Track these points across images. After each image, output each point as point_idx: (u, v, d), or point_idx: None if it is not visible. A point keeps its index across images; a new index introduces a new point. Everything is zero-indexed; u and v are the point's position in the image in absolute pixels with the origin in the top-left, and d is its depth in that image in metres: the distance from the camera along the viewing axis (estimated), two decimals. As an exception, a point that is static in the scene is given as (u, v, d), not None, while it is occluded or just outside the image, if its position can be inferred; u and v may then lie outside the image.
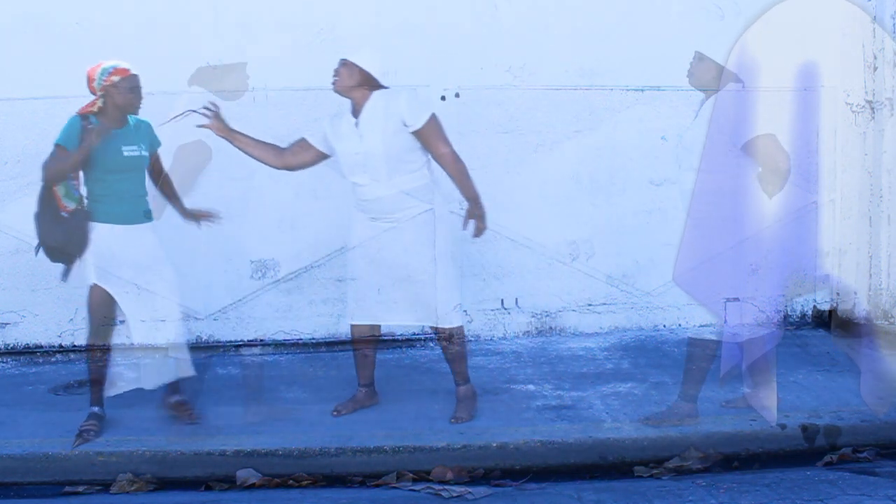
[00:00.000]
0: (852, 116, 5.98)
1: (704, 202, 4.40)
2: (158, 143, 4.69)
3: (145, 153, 4.57)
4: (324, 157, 4.67)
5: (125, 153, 4.48)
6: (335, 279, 5.71)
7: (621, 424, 4.53)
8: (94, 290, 4.48)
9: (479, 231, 4.49)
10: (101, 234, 4.47)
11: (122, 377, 4.58)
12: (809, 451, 4.38)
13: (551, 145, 5.94)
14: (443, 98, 5.80)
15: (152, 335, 4.52)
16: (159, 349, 4.54)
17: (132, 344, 4.50)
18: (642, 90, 5.89)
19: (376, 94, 4.49)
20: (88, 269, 4.47)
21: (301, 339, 5.91)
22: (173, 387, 4.70)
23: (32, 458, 4.31)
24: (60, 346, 5.74)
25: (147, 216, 4.60)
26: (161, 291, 4.57)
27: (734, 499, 3.80)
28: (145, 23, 5.54)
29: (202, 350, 5.72)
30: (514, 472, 4.27)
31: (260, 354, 5.85)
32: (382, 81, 4.50)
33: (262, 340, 5.91)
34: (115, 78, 4.45)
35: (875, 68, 5.92)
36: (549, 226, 5.96)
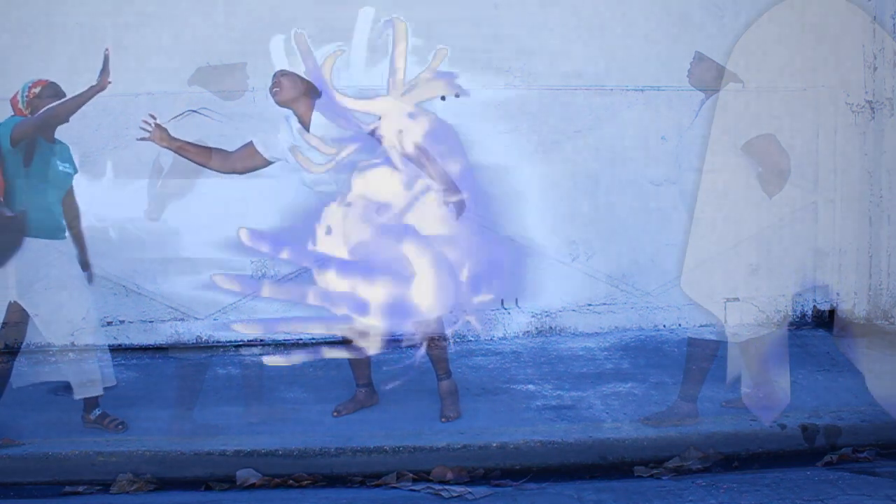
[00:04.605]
0: (852, 116, 5.98)
1: (705, 202, 4.40)
2: None
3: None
4: (270, 163, 4.67)
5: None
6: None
7: (621, 424, 4.53)
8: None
9: (459, 212, 4.58)
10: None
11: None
12: (809, 451, 4.38)
13: (551, 145, 5.94)
14: (443, 98, 5.80)
15: (68, 337, 4.50)
16: (82, 353, 4.50)
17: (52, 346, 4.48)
18: (642, 90, 5.89)
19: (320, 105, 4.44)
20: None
21: (301, 339, 5.90)
22: (90, 403, 4.62)
23: (32, 458, 4.31)
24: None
25: None
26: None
27: (734, 499, 3.79)
28: (146, 22, 5.54)
29: (202, 350, 5.72)
30: (514, 472, 4.26)
31: (260, 354, 5.84)
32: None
33: (262, 340, 5.90)
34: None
35: (875, 68, 5.92)
36: (549, 226, 5.96)
